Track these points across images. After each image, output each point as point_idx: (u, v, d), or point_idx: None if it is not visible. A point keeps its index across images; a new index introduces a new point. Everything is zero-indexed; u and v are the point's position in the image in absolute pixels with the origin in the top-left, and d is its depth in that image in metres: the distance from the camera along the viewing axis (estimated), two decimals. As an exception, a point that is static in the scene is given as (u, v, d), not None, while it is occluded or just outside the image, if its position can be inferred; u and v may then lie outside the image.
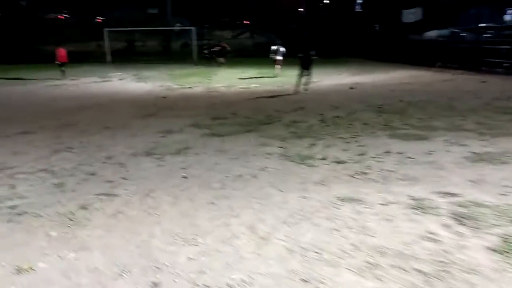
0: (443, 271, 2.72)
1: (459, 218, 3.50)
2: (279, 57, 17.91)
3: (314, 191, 4.28)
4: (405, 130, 7.17)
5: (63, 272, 2.79)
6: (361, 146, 6.18)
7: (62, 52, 17.98)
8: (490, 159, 5.22)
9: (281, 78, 16.63)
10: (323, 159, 5.50)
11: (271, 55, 18.23)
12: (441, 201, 3.92)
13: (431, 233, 3.26)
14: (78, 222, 3.57)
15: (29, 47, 28.71)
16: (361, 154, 5.69)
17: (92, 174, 4.99)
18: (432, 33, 24.90)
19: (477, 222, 3.42)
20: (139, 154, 5.91)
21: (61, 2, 40.51)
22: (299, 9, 45.26)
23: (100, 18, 39.29)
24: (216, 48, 25.41)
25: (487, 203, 3.80)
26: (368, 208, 3.81)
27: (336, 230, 3.34)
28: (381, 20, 31.82)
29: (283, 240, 3.18)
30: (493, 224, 3.37)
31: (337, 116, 8.62)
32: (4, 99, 12.41)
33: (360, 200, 3.99)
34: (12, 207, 3.89)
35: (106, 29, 28.25)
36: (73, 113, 9.55)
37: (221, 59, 24.37)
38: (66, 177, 4.86)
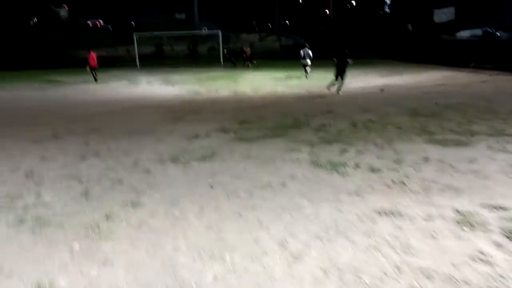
0: (500, 299, 2.42)
1: (513, 236, 3.17)
2: (308, 61, 17.65)
3: (348, 203, 4.01)
4: (442, 135, 6.77)
5: (85, 290, 2.65)
6: (396, 152, 5.85)
7: (93, 56, 18.34)
8: (541, 168, 4.81)
9: (308, 81, 16.33)
10: (356, 166, 5.21)
11: (302, 60, 17.93)
12: (490, 215, 3.58)
13: (482, 253, 2.95)
14: (102, 234, 3.44)
15: (62, 51, 29.52)
16: (397, 162, 5.36)
17: (118, 181, 4.88)
18: (465, 33, 24.03)
19: (534, 241, 3.08)
20: (165, 160, 5.78)
21: (96, 9, 41.63)
22: (326, 11, 44.77)
23: (129, 23, 40.02)
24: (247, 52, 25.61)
25: (543, 219, 3.44)
26: (409, 223, 3.51)
27: (376, 248, 3.06)
28: (411, 20, 30.98)
29: (317, 259, 2.93)
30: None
31: (369, 120, 8.27)
32: (37, 103, 12.63)
33: (400, 214, 3.70)
34: (37, 217, 3.80)
35: (136, 33, 28.67)
36: (102, 117, 9.59)
37: (253, 62, 24.46)
38: (92, 184, 4.77)
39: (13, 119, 9.66)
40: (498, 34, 21.21)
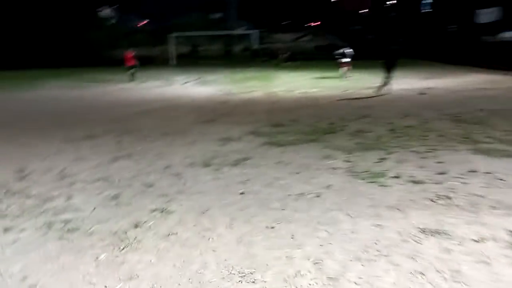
0: None
1: None
2: (346, 59, 17.42)
3: (389, 218, 3.73)
4: (489, 144, 6.31)
5: (108, 305, 2.52)
6: (439, 162, 5.48)
7: (130, 55, 18.66)
8: None
9: (344, 82, 15.92)
10: (396, 177, 4.89)
11: (337, 59, 17.75)
12: (550, 240, 3.21)
13: (544, 285, 2.61)
14: (129, 243, 3.32)
15: (102, 51, 30.34)
16: (441, 173, 5.00)
17: (149, 185, 4.80)
18: (509, 34, 22.79)
19: None
20: (197, 164, 5.66)
21: (141, 10, 42.71)
22: (364, 10, 43.85)
23: (167, 23, 40.67)
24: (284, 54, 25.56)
25: None
26: (457, 244, 3.20)
27: (421, 274, 2.78)
28: (452, 20, 29.79)
29: (357, 284, 2.69)
30: None
31: (409, 126, 7.87)
32: (74, 102, 12.92)
33: (447, 234, 3.38)
34: (66, 222, 3.75)
35: (172, 33, 29.05)
36: (136, 118, 9.63)
37: (285, 59, 24.29)
38: (123, 188, 4.70)
39: (50, 119, 9.85)
40: None
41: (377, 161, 5.61)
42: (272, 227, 3.59)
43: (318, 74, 19.43)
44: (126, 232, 3.51)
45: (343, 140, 6.85)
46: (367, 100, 11.52)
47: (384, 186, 4.60)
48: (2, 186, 4.82)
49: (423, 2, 38.58)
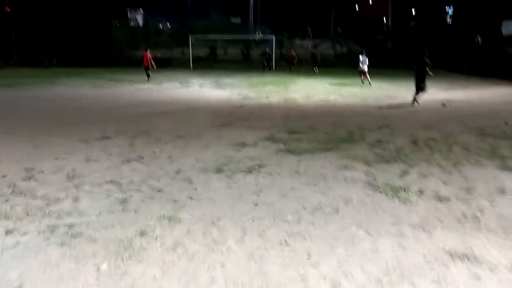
0: None
1: None
2: (365, 67, 17.55)
3: (413, 238, 3.45)
4: (517, 161, 5.97)
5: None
6: (465, 179, 5.16)
7: (148, 56, 18.69)
8: None
9: (363, 90, 15.61)
10: (420, 192, 4.60)
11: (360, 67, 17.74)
12: None
13: None
14: (133, 253, 3.13)
15: (122, 51, 30.61)
16: (468, 190, 4.70)
17: (159, 190, 4.61)
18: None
19: None
20: (209, 169, 5.46)
21: (165, 12, 43.12)
22: (383, 19, 43.38)
23: (186, 25, 40.86)
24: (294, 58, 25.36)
25: None
26: (488, 272, 2.92)
27: (450, 305, 2.52)
28: (477, 31, 29.11)
29: (378, 313, 2.44)
30: None
31: (431, 138, 7.54)
32: (92, 101, 12.92)
33: (476, 259, 3.10)
34: (70, 226, 3.58)
35: (191, 35, 29.10)
36: (151, 119, 9.52)
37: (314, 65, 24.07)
38: (132, 192, 4.53)
39: (67, 117, 9.83)
40: None
41: (399, 174, 5.32)
42: (287, 243, 3.35)
43: (337, 81, 19.15)
44: (131, 241, 3.32)
45: (362, 150, 6.58)
46: (387, 109, 11.20)
47: (407, 202, 4.33)
48: (10, 185, 4.70)
49: (448, 12, 37.94)
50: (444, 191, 4.67)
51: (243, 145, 6.89)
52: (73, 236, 3.39)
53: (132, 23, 33.52)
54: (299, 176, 5.23)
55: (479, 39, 27.14)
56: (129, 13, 35.70)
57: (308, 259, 3.09)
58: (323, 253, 3.19)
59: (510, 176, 5.26)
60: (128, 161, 5.82)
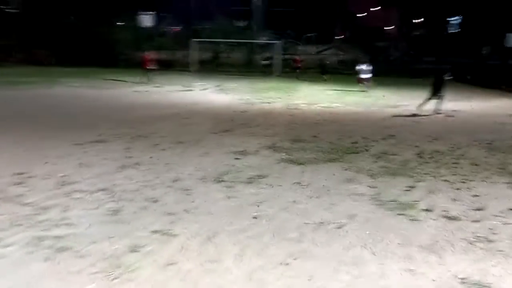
0: None
1: None
2: (364, 76, 17.74)
3: (423, 262, 3.22)
4: (530, 177, 5.74)
5: None
6: (475, 196, 4.94)
7: (148, 57, 18.50)
8: None
9: (367, 99, 15.40)
10: (428, 210, 4.38)
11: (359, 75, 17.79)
12: None
13: None
14: (123, 272, 2.91)
15: (123, 52, 30.46)
16: (478, 209, 4.47)
17: (154, 200, 4.39)
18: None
19: None
20: (208, 179, 5.25)
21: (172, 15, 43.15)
22: (388, 27, 43.29)
23: (190, 28, 40.79)
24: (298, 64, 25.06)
25: None
26: (507, 304, 2.69)
27: None
28: (481, 42, 29.02)
29: None
30: None
31: (437, 151, 7.32)
32: (90, 102, 12.68)
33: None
34: (57, 239, 3.35)
35: (194, 39, 28.95)
36: (150, 123, 9.30)
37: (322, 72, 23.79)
38: (125, 202, 4.31)
39: (62, 118, 9.59)
40: None
41: (405, 189, 5.10)
42: (287, 264, 3.13)
43: (340, 88, 18.94)
44: (120, 257, 3.09)
45: (367, 162, 6.36)
46: (391, 119, 10.98)
47: (415, 220, 4.10)
48: (-2, 191, 4.49)
49: (451, 22, 37.83)
50: (453, 209, 4.45)
51: (244, 153, 6.68)
52: (59, 250, 3.16)
53: (141, 25, 33.33)
54: (302, 189, 5.01)
55: (487, 50, 27.00)
56: (139, 16, 35.67)
57: (310, 283, 2.87)
58: (327, 276, 2.96)
59: (522, 194, 5.04)
60: (123, 167, 5.60)
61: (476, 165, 6.42)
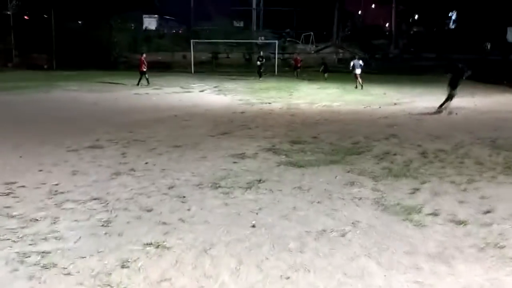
0: None
1: None
2: (357, 71, 18.11)
3: (431, 273, 3.04)
4: (538, 177, 5.55)
5: None
6: (482, 198, 4.75)
7: (143, 60, 18.27)
8: None
9: (367, 97, 15.19)
10: (434, 214, 4.20)
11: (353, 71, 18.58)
12: None
13: None
14: (111, 289, 2.73)
15: (122, 54, 30.30)
16: (487, 212, 4.29)
17: (148, 210, 4.21)
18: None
19: None
20: (205, 185, 5.07)
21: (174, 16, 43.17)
22: (386, 25, 43.16)
23: (189, 29, 40.67)
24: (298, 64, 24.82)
25: None
26: (523, 319, 2.50)
27: None
28: (481, 38, 28.77)
29: None
30: None
31: (441, 150, 7.13)
32: (88, 106, 12.49)
33: (506, 301, 2.69)
34: (43, 255, 3.18)
35: (193, 40, 28.78)
36: (148, 126, 9.10)
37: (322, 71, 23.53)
38: (118, 212, 4.13)
39: (59, 123, 9.41)
40: None
41: (409, 192, 4.92)
42: (288, 277, 2.95)
43: (340, 87, 18.75)
44: (110, 274, 2.91)
45: (369, 164, 6.18)
46: (393, 117, 10.77)
47: (421, 225, 3.92)
48: (-15, 202, 4.31)
49: (451, 18, 37.63)
50: (461, 212, 4.26)
51: (243, 156, 6.50)
52: (45, 267, 2.99)
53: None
54: (302, 194, 4.83)
55: (488, 45, 26.77)
56: (139, 18, 35.60)
57: (312, 299, 2.69)
58: (330, 291, 2.78)
59: (531, 195, 4.85)
60: (117, 174, 5.43)
61: (481, 164, 6.24)
